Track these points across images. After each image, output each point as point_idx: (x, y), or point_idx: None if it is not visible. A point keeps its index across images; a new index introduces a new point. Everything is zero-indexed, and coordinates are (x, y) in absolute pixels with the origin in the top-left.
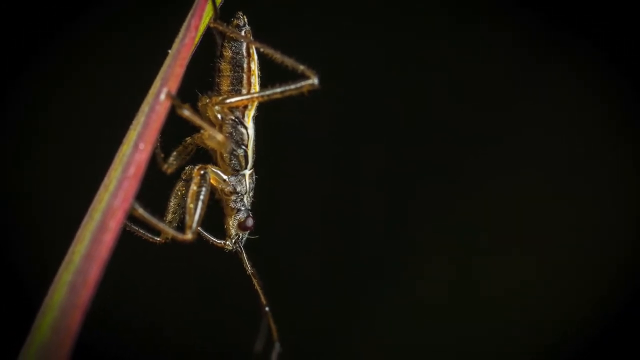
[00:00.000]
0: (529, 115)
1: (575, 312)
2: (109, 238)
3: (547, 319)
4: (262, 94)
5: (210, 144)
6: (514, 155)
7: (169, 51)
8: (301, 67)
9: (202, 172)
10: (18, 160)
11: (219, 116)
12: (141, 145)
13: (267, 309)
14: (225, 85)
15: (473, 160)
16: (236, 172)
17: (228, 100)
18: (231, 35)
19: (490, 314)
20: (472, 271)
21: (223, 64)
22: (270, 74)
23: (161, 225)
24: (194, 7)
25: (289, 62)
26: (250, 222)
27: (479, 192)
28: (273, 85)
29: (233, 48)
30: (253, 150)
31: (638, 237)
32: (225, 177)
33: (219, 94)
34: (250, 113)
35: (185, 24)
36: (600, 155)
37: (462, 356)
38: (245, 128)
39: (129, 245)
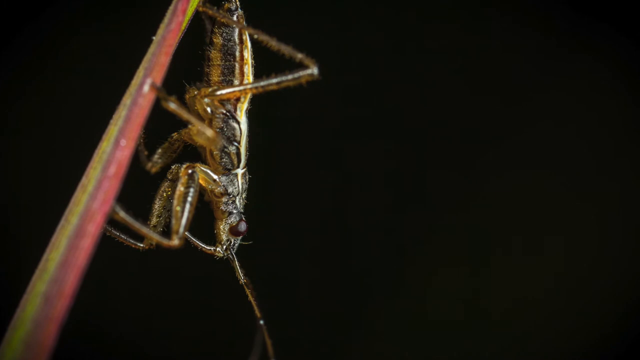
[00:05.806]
0: (548, 109)
1: (597, 322)
2: (88, 244)
3: (559, 329)
4: (256, 85)
5: (199, 140)
6: (531, 152)
7: (154, 38)
8: (299, 56)
9: (190, 171)
10: None
11: (209, 109)
12: (123, 142)
13: (261, 322)
14: (215, 76)
15: (483, 157)
16: (227, 171)
17: (219, 92)
18: (222, 20)
19: (496, 323)
20: (479, 277)
21: (213, 51)
22: (266, 63)
23: (145, 230)
24: None
25: (285, 49)
26: (242, 226)
27: (487, 192)
28: (268, 76)
29: (224, 34)
30: (246, 147)
31: None
32: (215, 176)
33: (209, 85)
34: (243, 106)
35: (171, 8)
36: (627, 153)
37: None
38: (238, 123)
39: (110, 252)
